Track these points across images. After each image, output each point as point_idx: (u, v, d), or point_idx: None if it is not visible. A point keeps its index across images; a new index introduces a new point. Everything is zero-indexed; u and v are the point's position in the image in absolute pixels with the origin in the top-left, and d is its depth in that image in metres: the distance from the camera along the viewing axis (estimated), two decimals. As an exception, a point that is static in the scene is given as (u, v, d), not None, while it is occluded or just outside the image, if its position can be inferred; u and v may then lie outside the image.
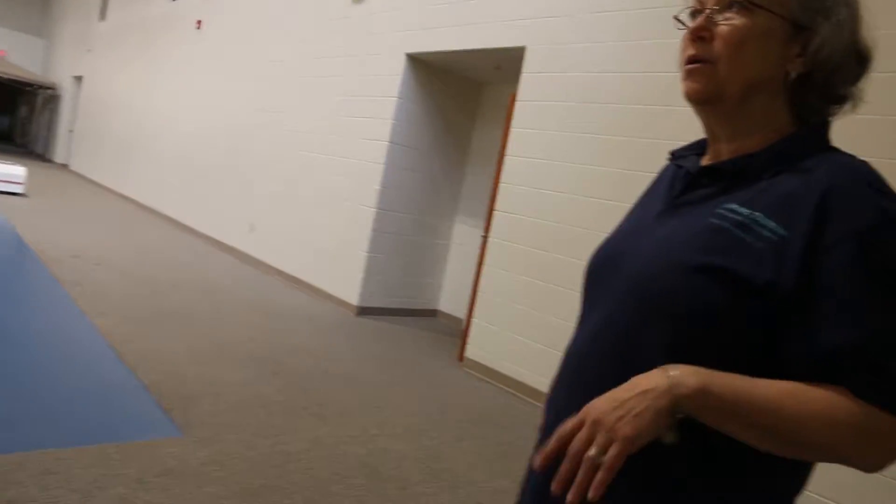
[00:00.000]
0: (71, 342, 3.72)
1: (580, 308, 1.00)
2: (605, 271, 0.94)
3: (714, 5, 0.86)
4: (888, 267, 0.73)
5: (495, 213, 4.59)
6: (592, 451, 0.72)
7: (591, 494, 0.71)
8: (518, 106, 4.54)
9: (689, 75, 0.88)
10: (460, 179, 6.38)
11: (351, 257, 5.83)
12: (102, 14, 14.39)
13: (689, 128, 0.91)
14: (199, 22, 9.28)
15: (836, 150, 0.85)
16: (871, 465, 0.73)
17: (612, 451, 0.70)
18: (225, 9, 8.74)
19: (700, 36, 0.86)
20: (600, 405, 0.74)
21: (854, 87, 0.86)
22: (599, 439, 0.72)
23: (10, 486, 2.11)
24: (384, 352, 4.77)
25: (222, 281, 6.09)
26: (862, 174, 0.78)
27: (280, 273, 6.67)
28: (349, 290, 5.81)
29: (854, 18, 0.84)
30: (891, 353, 0.71)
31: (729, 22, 0.84)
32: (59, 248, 6.06)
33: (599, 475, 0.70)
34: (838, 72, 0.84)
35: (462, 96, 6.18)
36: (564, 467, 0.74)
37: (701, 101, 0.88)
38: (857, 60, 0.85)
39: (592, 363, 0.89)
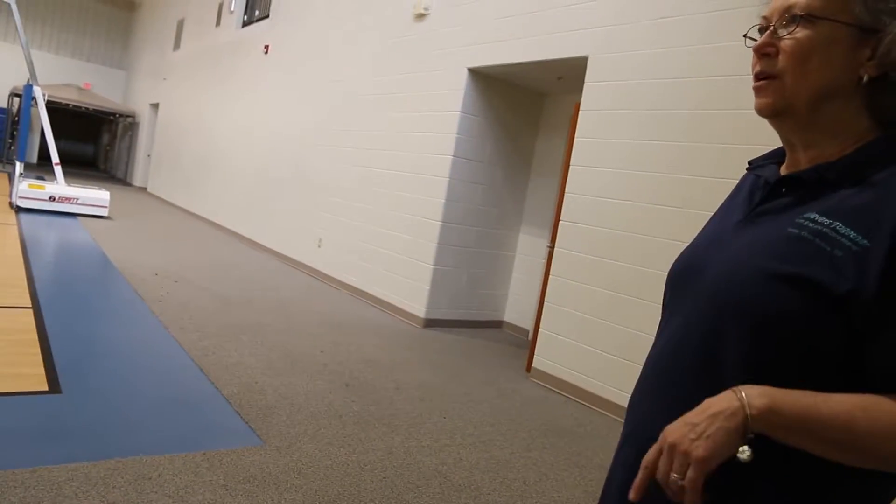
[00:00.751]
0: (156, 355, 3.92)
1: (661, 316, 1.02)
2: (685, 280, 0.96)
3: (777, 20, 0.88)
4: None
5: (561, 223, 4.59)
6: (674, 476, 0.76)
7: None
8: (582, 115, 4.53)
9: (757, 91, 0.90)
10: (524, 190, 6.40)
11: (417, 270, 5.92)
12: (177, 44, 15.15)
13: (759, 131, 0.93)
14: (266, 46, 9.65)
15: None
16: None
17: (691, 473, 0.74)
18: (291, 33, 9.06)
19: (765, 52, 0.88)
20: (675, 429, 0.78)
21: None
22: (677, 464, 0.76)
23: (111, 490, 2.26)
24: (452, 363, 4.81)
25: (293, 296, 6.28)
26: None
27: (348, 287, 6.83)
28: (416, 302, 5.89)
29: None
30: None
31: (792, 36, 0.85)
32: (141, 266, 6.39)
33: (687, 498, 0.75)
34: None
35: (524, 107, 6.20)
36: (658, 491, 0.78)
37: (771, 114, 0.90)
38: None
39: (672, 370, 0.91)
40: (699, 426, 0.76)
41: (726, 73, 3.66)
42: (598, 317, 4.23)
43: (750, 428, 0.74)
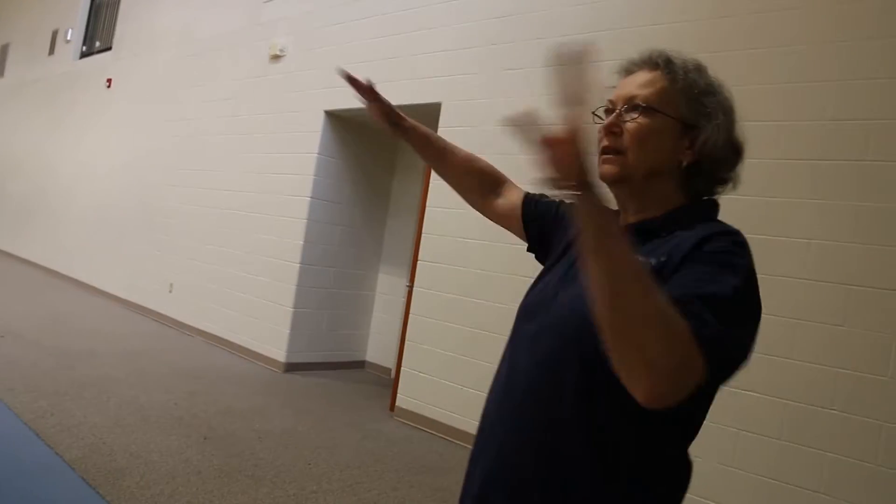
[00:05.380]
0: (-17, 421, 3.54)
1: (506, 346, 1.18)
2: (535, 312, 1.12)
3: (622, 105, 1.08)
4: (715, 251, 0.93)
5: (419, 262, 4.73)
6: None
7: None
8: (436, 159, 4.73)
9: (604, 162, 1.08)
10: (382, 231, 6.51)
11: (276, 313, 5.81)
12: (0, 70, 13.86)
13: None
14: (109, 80, 9.13)
15: (719, 221, 1.07)
16: (659, 381, 0.79)
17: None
18: (137, 67, 8.65)
19: (612, 131, 1.08)
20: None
21: (733, 173, 1.10)
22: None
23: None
24: (315, 407, 4.76)
25: (142, 345, 5.91)
26: (726, 231, 0.99)
27: (202, 333, 6.54)
28: (275, 346, 5.77)
29: (730, 120, 1.08)
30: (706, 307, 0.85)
31: (634, 121, 1.06)
32: (-38, 320, 5.74)
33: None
34: (720, 161, 1.07)
35: (380, 149, 6.35)
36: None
37: (613, 181, 1.08)
38: (734, 152, 1.08)
39: (523, 391, 1.06)
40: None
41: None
42: (459, 353, 4.39)
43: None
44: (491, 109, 4.45)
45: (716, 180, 1.09)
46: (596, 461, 0.96)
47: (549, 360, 1.02)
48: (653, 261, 0.97)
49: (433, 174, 4.72)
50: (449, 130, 4.68)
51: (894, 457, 2.74)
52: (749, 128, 3.38)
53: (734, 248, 0.95)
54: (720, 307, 0.85)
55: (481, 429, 1.14)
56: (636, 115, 1.05)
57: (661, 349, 0.78)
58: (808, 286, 3.04)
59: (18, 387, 4.13)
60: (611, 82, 1.16)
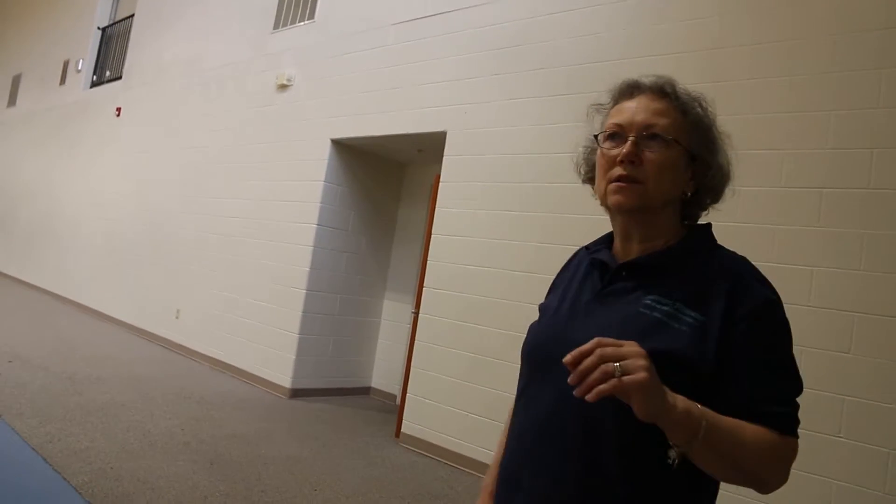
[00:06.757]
0: (-9, 446, 3.55)
1: (521, 385, 1.15)
2: (550, 353, 1.06)
3: (638, 133, 1.06)
4: (773, 333, 0.99)
5: (425, 289, 4.76)
6: (617, 365, 0.82)
7: (590, 396, 0.82)
8: (442, 186, 4.79)
9: (619, 191, 1.07)
10: (388, 258, 6.55)
11: (282, 340, 5.83)
12: (12, 100, 14.07)
13: (595, 203, 1.15)
14: (118, 109, 9.27)
15: (721, 246, 1.10)
16: (775, 481, 0.95)
17: (630, 375, 0.82)
18: (146, 96, 8.79)
19: (631, 161, 1.05)
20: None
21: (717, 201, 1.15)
22: (624, 362, 0.83)
23: None
24: (320, 433, 4.75)
25: (149, 371, 5.93)
26: (748, 270, 1.04)
27: (209, 359, 6.55)
28: (281, 372, 5.78)
29: (727, 154, 1.12)
30: (778, 393, 0.97)
31: (655, 151, 1.05)
32: (-30, 346, 5.77)
33: (607, 385, 0.82)
34: (718, 191, 1.12)
35: (386, 177, 6.42)
36: (591, 362, 0.83)
37: (630, 211, 1.08)
38: (727, 182, 1.13)
39: (557, 437, 1.03)
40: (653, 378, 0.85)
41: (570, 149, 4.05)
42: (464, 379, 4.39)
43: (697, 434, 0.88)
44: (496, 138, 4.51)
45: (703, 207, 1.15)
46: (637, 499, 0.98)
47: (584, 404, 0.95)
48: (680, 305, 1.00)
49: (438, 201, 4.78)
50: (455, 159, 4.74)
51: (902, 484, 2.73)
52: (753, 156, 3.42)
53: (773, 306, 1.01)
54: (785, 393, 0.98)
55: (507, 479, 1.11)
56: (654, 144, 1.05)
57: (765, 473, 0.94)
58: (813, 313, 3.05)
59: (26, 411, 4.14)
60: (606, 100, 1.16)
